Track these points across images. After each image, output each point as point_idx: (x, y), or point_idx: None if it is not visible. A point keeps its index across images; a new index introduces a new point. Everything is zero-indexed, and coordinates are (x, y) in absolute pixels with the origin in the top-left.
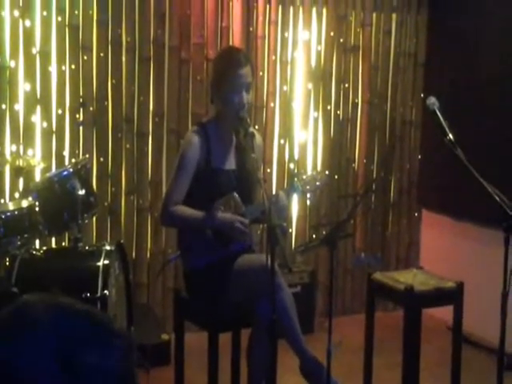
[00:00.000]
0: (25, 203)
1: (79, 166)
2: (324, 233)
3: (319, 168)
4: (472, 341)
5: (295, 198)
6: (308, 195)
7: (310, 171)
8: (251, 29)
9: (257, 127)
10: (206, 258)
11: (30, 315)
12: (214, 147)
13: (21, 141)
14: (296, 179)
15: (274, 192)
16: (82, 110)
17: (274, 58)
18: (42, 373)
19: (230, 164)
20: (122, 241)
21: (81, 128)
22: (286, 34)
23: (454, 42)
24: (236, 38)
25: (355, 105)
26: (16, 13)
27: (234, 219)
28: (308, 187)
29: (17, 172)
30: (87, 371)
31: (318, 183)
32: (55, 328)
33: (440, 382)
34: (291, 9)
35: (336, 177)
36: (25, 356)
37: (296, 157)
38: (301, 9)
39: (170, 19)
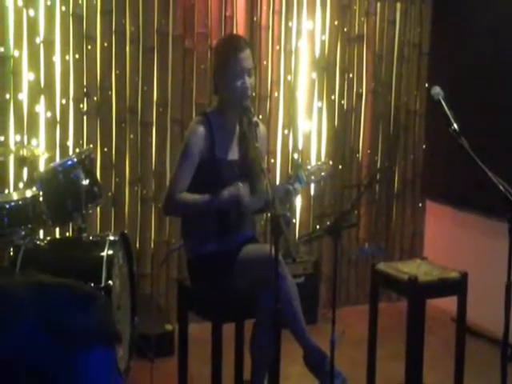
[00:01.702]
0: (29, 193)
1: (83, 156)
2: (328, 223)
3: (323, 158)
4: (476, 332)
5: (299, 188)
6: (312, 185)
7: (314, 162)
8: (255, 18)
9: (261, 117)
10: (210, 247)
11: (12, 302)
12: (217, 137)
13: (25, 131)
14: (301, 170)
15: (277, 182)
16: (85, 99)
17: (278, 47)
18: (39, 348)
19: (234, 154)
20: (125, 231)
21: (85, 118)
22: (290, 24)
23: (459, 31)
24: (240, 28)
25: (359, 95)
26: (20, 2)
27: (238, 189)
28: (313, 177)
29: (21, 162)
30: (75, 332)
31: (322, 173)
32: (37, 305)
33: (443, 373)
34: None
35: (340, 167)
36: (17, 339)
37: (300, 147)
38: None
39: (174, 9)
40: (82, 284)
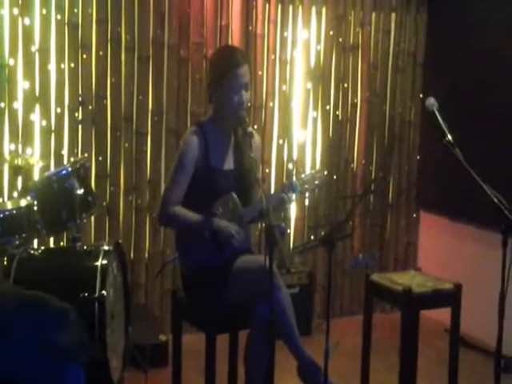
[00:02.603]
0: (23, 202)
1: (78, 165)
2: (322, 233)
3: (318, 168)
4: (469, 343)
5: (294, 198)
6: (307, 194)
7: (308, 170)
8: (250, 28)
9: (256, 127)
10: (204, 259)
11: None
12: (212, 147)
13: (19, 139)
14: (294, 178)
15: (272, 192)
16: (80, 108)
17: (273, 57)
18: (33, 366)
19: (229, 164)
20: (120, 241)
21: (80, 127)
22: (285, 33)
23: (453, 41)
24: (235, 37)
25: (354, 104)
26: (15, 11)
27: (231, 229)
28: (307, 186)
29: (15, 171)
30: (59, 349)
31: (316, 182)
32: (28, 323)
33: None
34: (290, 8)
35: (335, 177)
36: (15, 358)
37: (295, 157)
38: (300, 8)
39: (170, 18)
40: (53, 298)
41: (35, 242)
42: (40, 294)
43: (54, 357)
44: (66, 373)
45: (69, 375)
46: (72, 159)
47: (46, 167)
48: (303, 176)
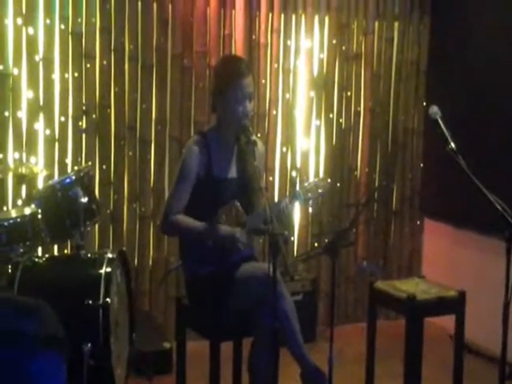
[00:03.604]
0: (27, 211)
1: (82, 174)
2: (326, 241)
3: (321, 175)
4: (474, 350)
5: (297, 206)
6: (310, 202)
7: (312, 178)
8: (253, 37)
9: (259, 135)
10: (208, 267)
11: None
12: (214, 156)
13: (23, 148)
14: (298, 186)
15: (276, 200)
16: (84, 117)
17: (276, 66)
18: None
19: (232, 172)
20: (124, 248)
21: (83, 135)
22: (288, 42)
23: (456, 50)
24: (238, 46)
25: (357, 113)
26: (19, 20)
27: (235, 232)
28: (310, 194)
29: (19, 179)
30: (18, 337)
31: (320, 190)
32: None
33: None
34: (293, 17)
35: (338, 185)
36: None
37: (298, 165)
38: (303, 17)
39: (173, 27)
40: (24, 297)
41: (39, 249)
42: (7, 294)
43: (18, 347)
44: (33, 366)
45: (37, 368)
46: (76, 168)
47: (49, 176)
48: (306, 184)
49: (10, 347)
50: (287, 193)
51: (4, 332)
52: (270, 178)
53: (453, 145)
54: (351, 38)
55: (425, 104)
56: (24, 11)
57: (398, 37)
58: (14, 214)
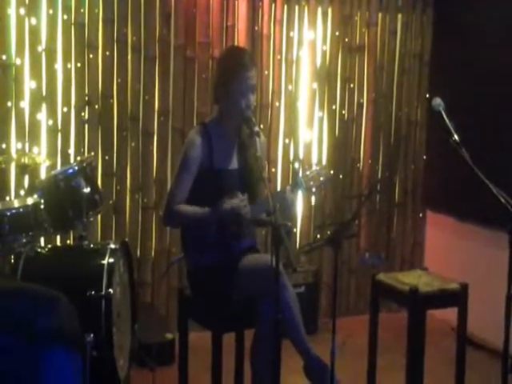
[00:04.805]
0: (30, 201)
1: (84, 164)
2: (328, 233)
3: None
4: (476, 343)
5: (299, 195)
6: (313, 190)
7: (313, 167)
8: (256, 28)
9: (262, 126)
10: (210, 257)
11: None
12: (216, 147)
13: (26, 138)
14: (300, 175)
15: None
16: (87, 108)
17: (279, 57)
18: (4, 352)
19: (233, 164)
20: (126, 239)
21: (86, 126)
22: (291, 34)
23: (459, 42)
24: (241, 37)
25: (360, 105)
26: (22, 11)
27: (239, 208)
28: (312, 183)
29: (22, 169)
30: (36, 332)
31: (321, 179)
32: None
33: None
34: (296, 8)
35: (341, 176)
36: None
37: (301, 156)
38: (306, 8)
39: (176, 18)
40: (44, 287)
41: (42, 240)
42: (28, 284)
43: (30, 341)
44: (47, 361)
45: (51, 363)
46: (78, 158)
47: (52, 166)
48: (308, 173)
49: (22, 338)
50: (290, 183)
51: (17, 323)
52: (273, 170)
53: (456, 137)
54: (354, 29)
55: (428, 96)
56: (27, 1)
57: (401, 29)
58: (16, 204)
